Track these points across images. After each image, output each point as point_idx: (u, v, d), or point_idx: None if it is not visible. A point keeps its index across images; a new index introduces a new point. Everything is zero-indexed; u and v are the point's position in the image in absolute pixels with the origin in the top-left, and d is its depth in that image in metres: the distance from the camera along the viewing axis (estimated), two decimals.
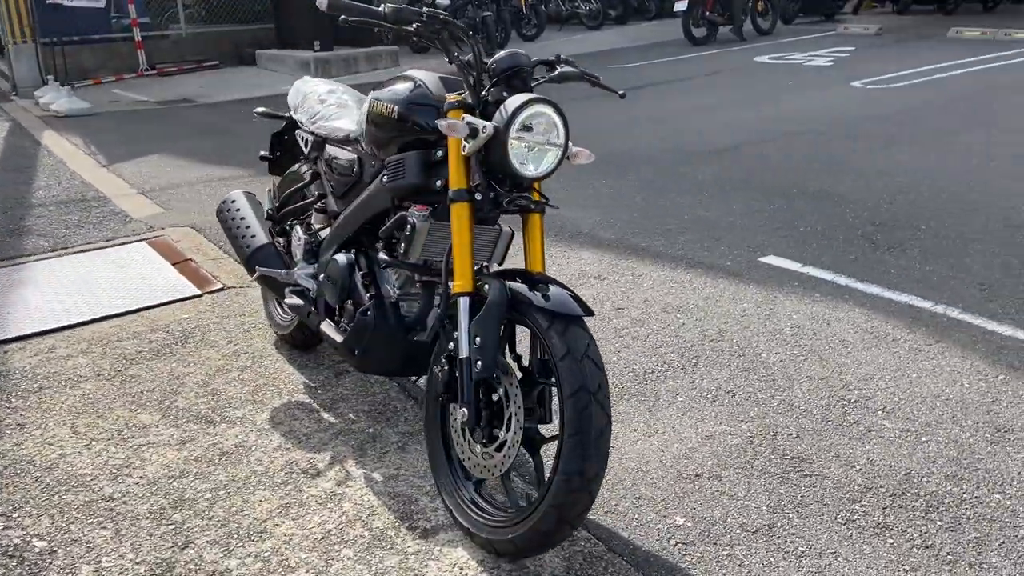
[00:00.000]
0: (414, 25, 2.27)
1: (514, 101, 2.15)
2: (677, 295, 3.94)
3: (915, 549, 2.24)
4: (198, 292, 4.13)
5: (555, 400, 2.22)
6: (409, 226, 2.41)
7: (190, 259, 4.61)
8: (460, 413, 2.17)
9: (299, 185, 3.18)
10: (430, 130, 2.39)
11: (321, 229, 3.04)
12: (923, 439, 2.73)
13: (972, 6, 15.72)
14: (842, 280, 4.06)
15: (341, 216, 2.82)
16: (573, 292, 2.13)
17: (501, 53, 2.27)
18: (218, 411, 3.03)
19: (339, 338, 2.70)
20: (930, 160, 6.09)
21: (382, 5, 2.28)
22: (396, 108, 2.44)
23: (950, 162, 6.02)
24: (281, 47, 13.08)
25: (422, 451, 2.73)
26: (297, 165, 3.37)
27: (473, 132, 2.15)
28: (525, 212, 2.32)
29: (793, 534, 2.31)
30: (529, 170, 2.20)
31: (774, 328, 3.58)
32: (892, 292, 3.90)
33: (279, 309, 3.52)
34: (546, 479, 2.09)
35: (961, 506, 2.40)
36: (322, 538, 2.34)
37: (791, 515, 2.38)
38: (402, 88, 2.48)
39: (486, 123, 2.14)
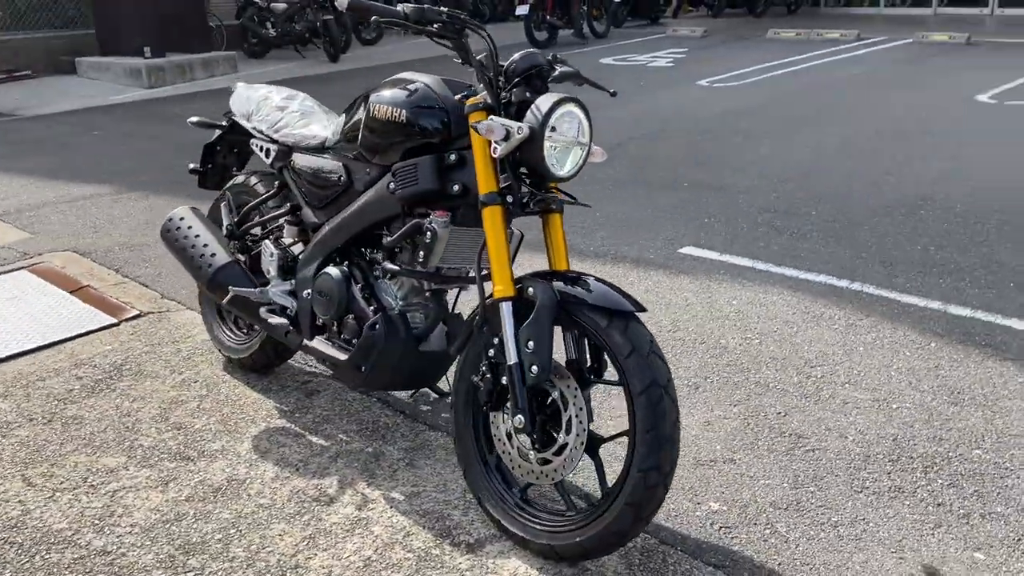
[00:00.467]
0: (435, 25, 2.20)
1: (546, 101, 2.13)
2: None
3: (930, 507, 2.42)
4: (113, 321, 3.78)
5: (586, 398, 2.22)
6: (428, 233, 2.33)
7: (87, 285, 4.21)
8: (515, 420, 2.13)
9: (261, 198, 3.00)
10: (437, 133, 2.33)
11: (294, 243, 2.88)
12: (894, 406, 2.95)
13: (777, 9, 17.05)
14: (761, 266, 4.30)
15: (325, 228, 2.68)
16: (617, 287, 2.14)
17: (516, 55, 2.25)
18: (191, 446, 2.80)
19: (341, 356, 2.57)
20: (791, 151, 6.56)
21: (400, 5, 2.19)
22: (404, 112, 2.35)
23: (807, 153, 6.51)
24: (103, 54, 12.17)
25: (435, 465, 2.65)
26: (243, 177, 3.17)
27: (507, 134, 2.12)
28: (547, 212, 2.30)
29: (821, 506, 2.43)
30: (560, 170, 2.19)
31: (720, 315, 3.74)
32: (809, 274, 4.17)
33: (230, 332, 3.30)
34: (609, 478, 2.10)
35: (951, 464, 2.62)
36: (364, 566, 2.22)
37: (811, 489, 2.51)
38: (405, 91, 2.39)
39: (520, 124, 2.11)
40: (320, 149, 2.75)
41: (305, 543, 2.31)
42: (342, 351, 2.59)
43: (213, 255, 2.94)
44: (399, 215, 2.44)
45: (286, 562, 2.24)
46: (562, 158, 2.20)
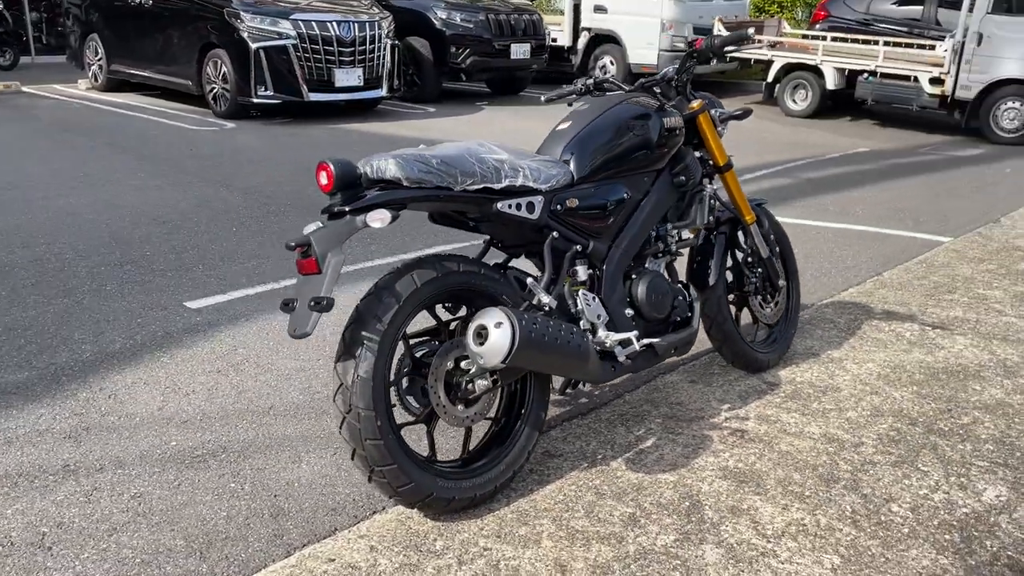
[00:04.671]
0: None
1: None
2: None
3: None
4: None
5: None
6: (711, 199, 2.90)
7: None
8: (780, 283, 3.19)
9: (539, 256, 2.53)
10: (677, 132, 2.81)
11: (585, 281, 2.60)
12: None
13: None
14: None
15: (616, 248, 2.65)
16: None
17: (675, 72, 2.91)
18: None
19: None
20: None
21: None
22: (681, 120, 2.77)
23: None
24: None
25: (704, 386, 3.02)
26: (452, 262, 2.29)
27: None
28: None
29: None
30: None
31: None
32: None
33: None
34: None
35: None
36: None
37: None
38: (652, 103, 2.72)
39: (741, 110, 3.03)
40: (571, 184, 2.53)
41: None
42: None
43: (575, 331, 2.37)
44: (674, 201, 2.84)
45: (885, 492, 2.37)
46: None
